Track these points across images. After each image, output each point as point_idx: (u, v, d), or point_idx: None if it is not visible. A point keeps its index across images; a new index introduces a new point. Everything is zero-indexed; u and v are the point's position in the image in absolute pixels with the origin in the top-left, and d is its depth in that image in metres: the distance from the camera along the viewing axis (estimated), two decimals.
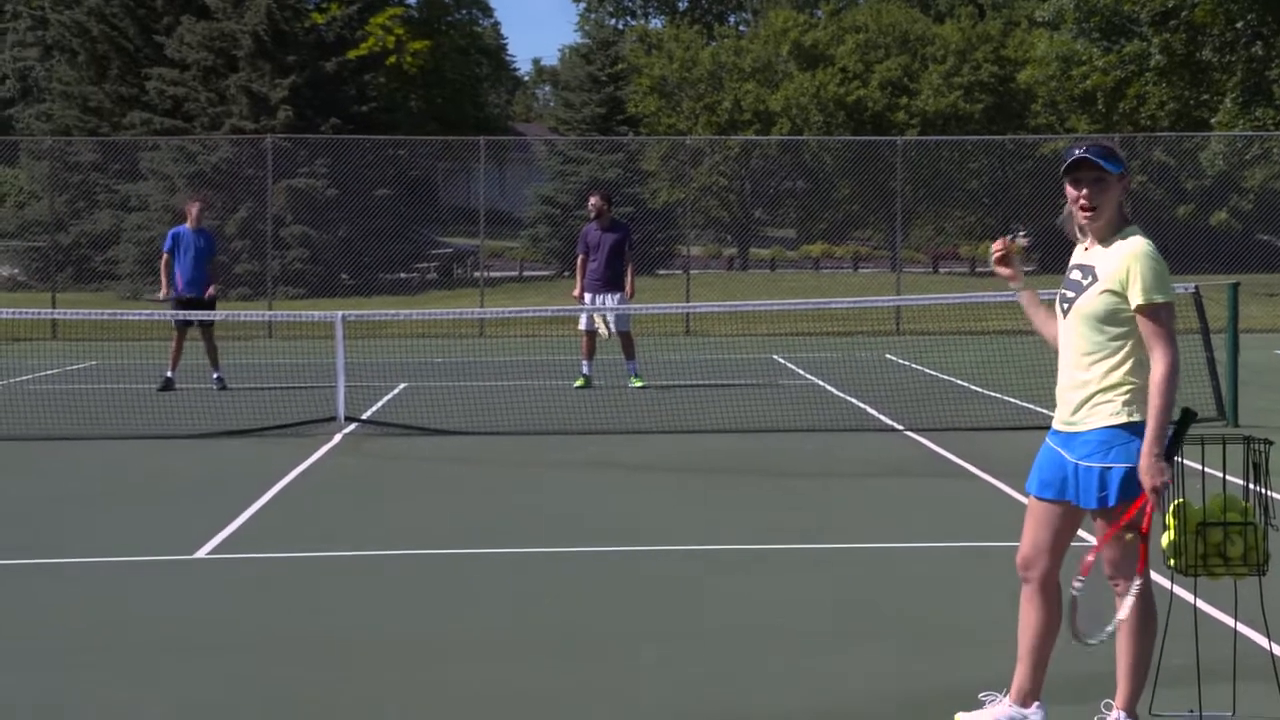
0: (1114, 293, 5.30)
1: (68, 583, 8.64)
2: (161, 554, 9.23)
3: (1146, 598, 5.43)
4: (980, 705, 5.75)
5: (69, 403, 16.99)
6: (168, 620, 7.63)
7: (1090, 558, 5.35)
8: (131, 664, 6.86)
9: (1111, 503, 5.32)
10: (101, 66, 49.82)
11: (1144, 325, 5.26)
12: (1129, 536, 5.35)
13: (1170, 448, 5.26)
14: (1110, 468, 5.31)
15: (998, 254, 5.80)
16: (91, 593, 8.34)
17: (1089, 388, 5.38)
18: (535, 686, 6.45)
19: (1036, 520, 5.57)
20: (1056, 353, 5.64)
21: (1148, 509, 5.27)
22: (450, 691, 6.41)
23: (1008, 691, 5.69)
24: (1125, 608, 5.35)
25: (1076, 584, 5.29)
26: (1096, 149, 5.37)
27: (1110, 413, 5.32)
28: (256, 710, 6.20)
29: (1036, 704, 5.63)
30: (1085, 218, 5.38)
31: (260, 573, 8.82)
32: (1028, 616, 5.60)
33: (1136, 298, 5.25)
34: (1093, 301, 5.35)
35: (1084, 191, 5.36)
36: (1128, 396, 5.31)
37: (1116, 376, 5.33)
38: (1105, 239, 5.41)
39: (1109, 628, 5.36)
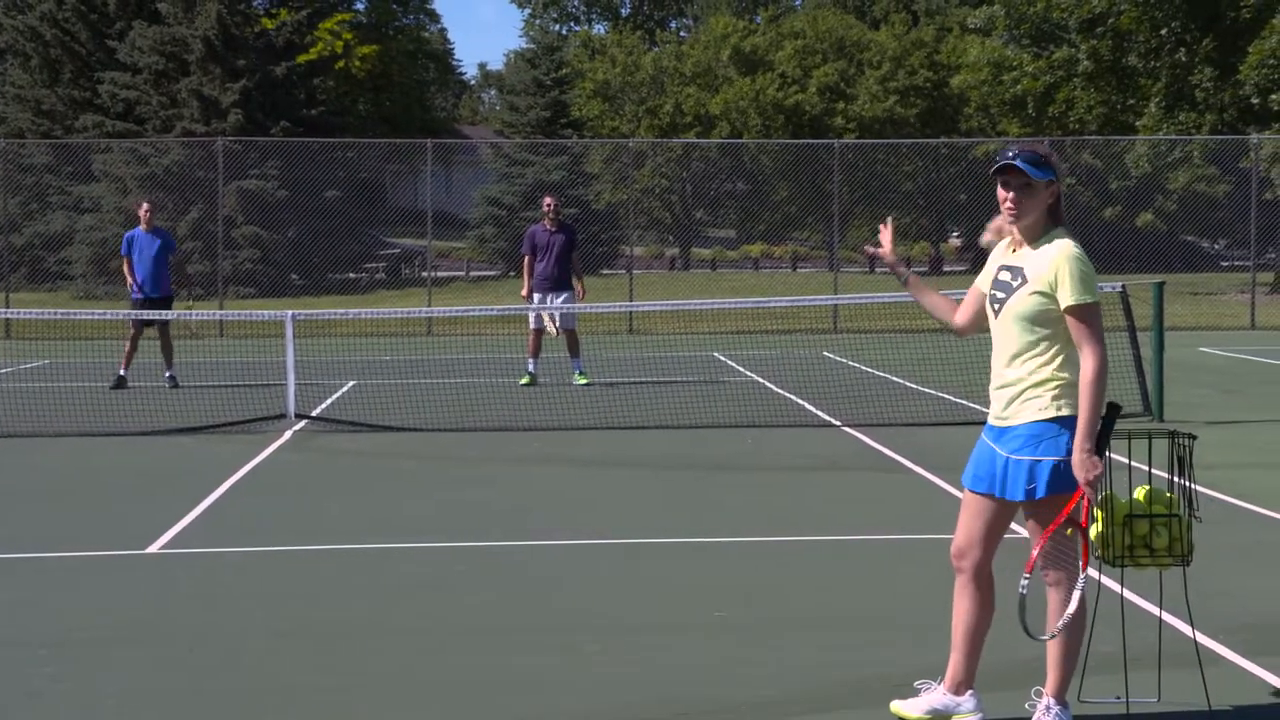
0: (1043, 294, 5.40)
1: (19, 578, 8.59)
2: (114, 549, 9.27)
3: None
4: (916, 693, 5.87)
5: (22, 401, 17.00)
6: (119, 614, 7.64)
7: (1035, 553, 5.46)
8: (83, 657, 6.86)
9: (1040, 494, 5.41)
10: (54, 70, 49.97)
11: (1073, 325, 5.36)
12: (1069, 531, 5.45)
13: (1099, 442, 5.36)
14: (1040, 460, 5.39)
15: (885, 245, 6.04)
16: (43, 588, 8.32)
17: (1020, 384, 5.47)
18: (493, 677, 6.51)
19: (970, 512, 5.66)
20: (949, 327, 5.93)
21: (1085, 503, 5.39)
22: (409, 678, 6.52)
23: (942, 679, 5.80)
24: (1075, 601, 5.43)
25: (1024, 581, 5.35)
26: (1028, 154, 5.45)
27: (1039, 408, 5.42)
28: (207, 701, 6.23)
29: (970, 692, 5.75)
30: (1010, 218, 5.51)
31: (211, 567, 8.83)
32: (961, 606, 5.69)
33: (1066, 299, 5.35)
34: (1022, 302, 5.45)
35: (1011, 195, 5.48)
36: (1056, 392, 5.41)
37: (1046, 373, 5.43)
38: (1033, 241, 5.51)
39: (1060, 623, 5.47)
